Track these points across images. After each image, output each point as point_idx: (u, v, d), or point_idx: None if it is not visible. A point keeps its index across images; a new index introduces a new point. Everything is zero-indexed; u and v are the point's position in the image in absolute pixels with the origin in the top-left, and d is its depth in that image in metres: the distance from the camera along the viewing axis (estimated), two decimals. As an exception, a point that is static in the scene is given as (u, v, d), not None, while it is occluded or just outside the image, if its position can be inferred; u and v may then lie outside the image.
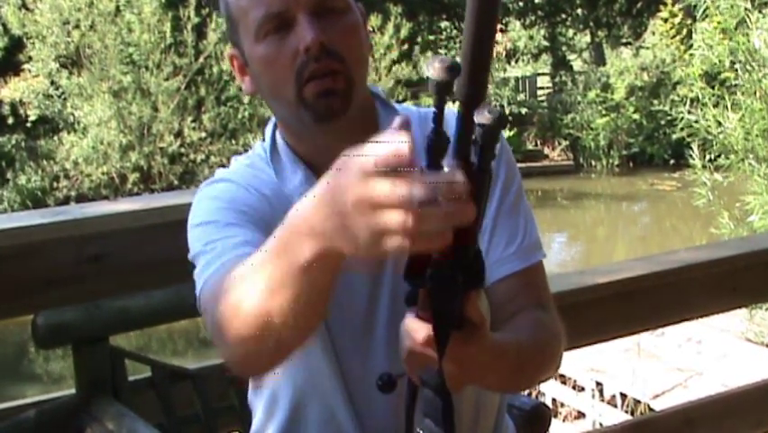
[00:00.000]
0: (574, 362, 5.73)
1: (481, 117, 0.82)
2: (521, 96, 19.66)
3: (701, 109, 6.50)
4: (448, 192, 0.74)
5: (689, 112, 6.56)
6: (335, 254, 0.83)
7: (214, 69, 14.93)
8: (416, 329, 0.93)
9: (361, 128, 1.24)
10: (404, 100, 15.10)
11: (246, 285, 0.95)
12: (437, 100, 0.81)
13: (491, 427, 1.38)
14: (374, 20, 15.61)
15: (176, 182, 14.77)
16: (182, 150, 15.07)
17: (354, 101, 1.20)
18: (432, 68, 0.79)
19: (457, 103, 0.82)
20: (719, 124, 6.37)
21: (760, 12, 6.40)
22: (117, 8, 14.90)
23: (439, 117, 0.81)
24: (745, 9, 6.32)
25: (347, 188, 0.76)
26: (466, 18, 0.80)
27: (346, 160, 0.79)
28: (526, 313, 1.23)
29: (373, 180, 0.74)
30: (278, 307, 0.91)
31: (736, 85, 6.51)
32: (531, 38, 21.98)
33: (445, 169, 0.80)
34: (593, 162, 18.55)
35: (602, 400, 5.77)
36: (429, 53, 19.69)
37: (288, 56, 1.18)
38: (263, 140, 1.32)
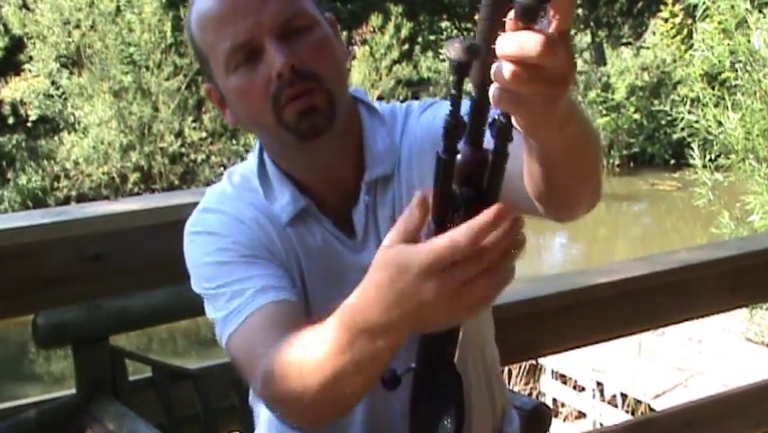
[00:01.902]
0: (575, 362, 5.73)
1: None
2: (521, 96, 19.62)
3: (702, 109, 6.48)
4: (494, 229, 0.79)
5: (689, 112, 6.54)
6: (407, 334, 0.89)
7: (215, 69, 14.91)
8: None
9: (346, 138, 1.24)
10: (404, 100, 15.05)
11: (311, 375, 0.98)
12: (456, 81, 0.80)
13: (502, 409, 1.42)
14: (374, 20, 15.60)
15: (176, 182, 14.76)
16: (183, 150, 15.05)
17: (338, 116, 1.18)
18: (452, 48, 0.78)
19: (471, 87, 0.82)
20: (720, 124, 6.35)
21: (760, 12, 6.38)
22: (118, 8, 14.88)
23: (458, 98, 0.80)
24: (746, 9, 6.31)
25: (420, 292, 0.81)
26: (482, 2, 0.79)
27: (396, 259, 0.83)
28: None
29: (443, 276, 0.80)
30: (353, 386, 0.96)
31: (736, 85, 6.50)
32: (531, 38, 21.88)
33: (459, 157, 0.82)
34: (593, 162, 18.51)
35: (603, 400, 5.78)
36: (430, 53, 19.69)
37: (262, 85, 1.16)
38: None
